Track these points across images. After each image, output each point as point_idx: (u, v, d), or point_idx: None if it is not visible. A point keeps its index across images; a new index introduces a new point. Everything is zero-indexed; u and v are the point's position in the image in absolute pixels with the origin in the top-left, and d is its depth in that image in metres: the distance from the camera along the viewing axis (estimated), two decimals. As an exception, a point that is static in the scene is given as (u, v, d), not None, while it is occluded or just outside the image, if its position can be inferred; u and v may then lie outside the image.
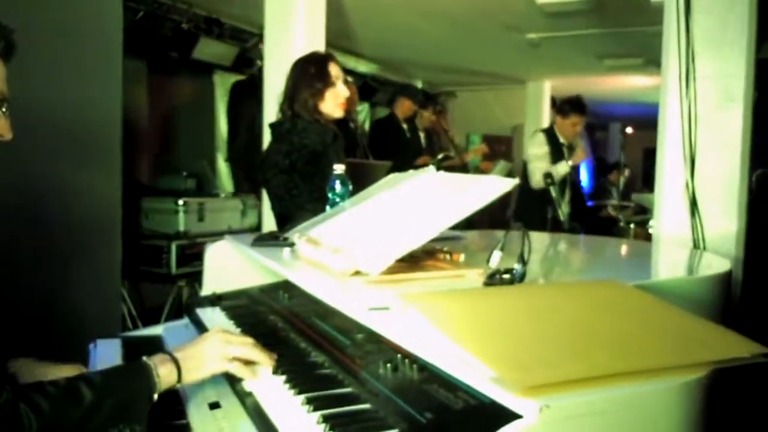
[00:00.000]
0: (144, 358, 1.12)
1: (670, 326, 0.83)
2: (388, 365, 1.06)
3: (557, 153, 4.47)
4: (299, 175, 2.40)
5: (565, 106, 4.61)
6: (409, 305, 0.87)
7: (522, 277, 1.17)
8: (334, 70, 2.51)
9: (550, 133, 4.66)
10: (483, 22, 5.29)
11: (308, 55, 2.66)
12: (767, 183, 4.22)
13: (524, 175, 4.49)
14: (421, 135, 5.62)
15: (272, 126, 2.60)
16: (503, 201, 1.22)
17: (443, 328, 0.78)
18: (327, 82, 2.48)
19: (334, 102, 2.49)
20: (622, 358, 0.72)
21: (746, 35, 2.36)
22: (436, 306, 0.84)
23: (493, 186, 1.26)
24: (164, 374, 1.10)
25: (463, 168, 5.53)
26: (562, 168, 4.37)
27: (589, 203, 6.28)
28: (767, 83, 6.17)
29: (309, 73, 2.50)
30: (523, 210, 4.65)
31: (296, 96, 2.47)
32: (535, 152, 4.53)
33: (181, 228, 3.55)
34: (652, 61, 5.48)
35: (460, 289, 1.03)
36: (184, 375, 1.12)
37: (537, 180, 4.28)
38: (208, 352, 1.15)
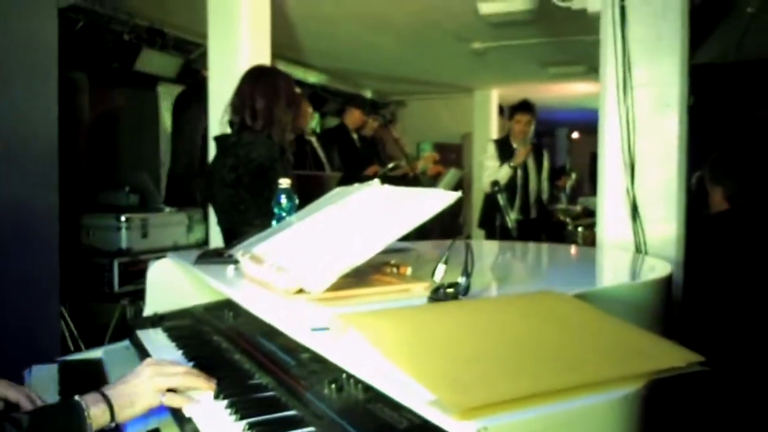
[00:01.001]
0: (76, 397, 1.08)
1: (608, 337, 0.83)
2: (333, 385, 1.04)
3: (510, 159, 4.66)
4: (246, 189, 2.36)
5: (510, 109, 4.86)
6: (348, 326, 0.85)
7: (466, 291, 1.17)
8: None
9: (502, 141, 4.85)
10: (429, 32, 5.34)
11: (274, 69, 2.62)
12: (705, 184, 4.37)
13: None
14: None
15: (217, 139, 2.55)
16: (454, 209, 1.21)
17: (382, 349, 0.76)
18: (300, 99, 2.48)
19: (305, 119, 2.51)
20: (561, 373, 0.71)
21: (679, 43, 2.43)
22: (375, 326, 0.83)
23: (437, 199, 1.25)
24: (96, 415, 1.06)
25: (414, 177, 5.57)
26: (504, 171, 4.55)
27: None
28: (703, 88, 6.44)
29: (288, 90, 2.47)
30: (482, 217, 4.87)
31: (273, 112, 2.42)
32: (481, 159, 4.74)
33: (124, 245, 3.45)
34: (593, 69, 5.62)
35: (400, 307, 1.02)
36: (117, 414, 1.08)
37: (483, 184, 4.49)
38: (139, 388, 1.12)
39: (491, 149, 4.80)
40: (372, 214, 1.39)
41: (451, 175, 6.17)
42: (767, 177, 2.53)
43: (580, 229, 5.26)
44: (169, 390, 1.13)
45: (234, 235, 2.36)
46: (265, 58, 3.57)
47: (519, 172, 4.70)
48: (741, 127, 8.09)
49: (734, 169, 2.53)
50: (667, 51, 2.43)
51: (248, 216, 2.36)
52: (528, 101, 4.83)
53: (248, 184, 2.34)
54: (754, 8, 4.34)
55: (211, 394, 1.14)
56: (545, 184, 4.95)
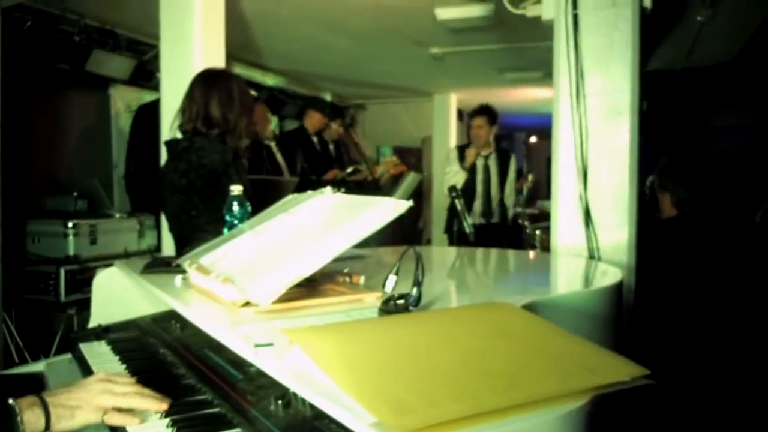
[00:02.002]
0: (10, 399, 1.02)
1: (553, 351, 0.82)
2: (280, 401, 1.01)
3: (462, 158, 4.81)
4: (198, 195, 2.31)
5: (469, 115, 4.93)
6: (293, 342, 0.82)
7: (417, 301, 1.15)
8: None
9: (464, 147, 4.95)
10: (387, 36, 5.33)
11: (226, 72, 2.54)
12: (657, 189, 4.51)
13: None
14: (330, 147, 5.60)
15: (168, 144, 2.48)
16: (414, 214, 1.20)
17: (325, 367, 0.74)
18: (253, 103, 2.44)
19: (264, 124, 2.46)
20: (505, 391, 0.70)
21: (630, 52, 2.47)
22: (319, 343, 0.81)
23: (389, 209, 1.24)
24: (30, 420, 1.00)
25: (374, 180, 5.55)
26: (459, 175, 4.66)
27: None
28: (656, 94, 6.59)
29: (241, 95, 2.40)
30: (447, 223, 4.95)
31: (229, 119, 2.36)
32: (448, 168, 4.89)
33: (71, 252, 3.33)
34: (549, 75, 5.71)
35: (347, 322, 1.00)
36: (53, 423, 1.02)
37: (446, 190, 4.56)
38: (83, 401, 1.07)
39: (453, 155, 4.90)
40: (323, 223, 1.36)
41: (411, 178, 6.16)
42: (713, 183, 2.60)
43: (537, 232, 5.33)
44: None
45: (186, 240, 2.31)
46: (219, 60, 3.50)
47: (480, 176, 4.78)
48: (692, 134, 8.33)
49: (681, 176, 2.59)
50: (619, 60, 2.47)
51: (199, 222, 2.30)
52: (486, 106, 4.92)
53: (200, 189, 2.29)
54: (704, 17, 4.46)
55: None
56: (510, 188, 5.03)
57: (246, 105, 2.42)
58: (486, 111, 4.87)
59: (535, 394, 0.70)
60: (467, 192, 4.69)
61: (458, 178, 4.68)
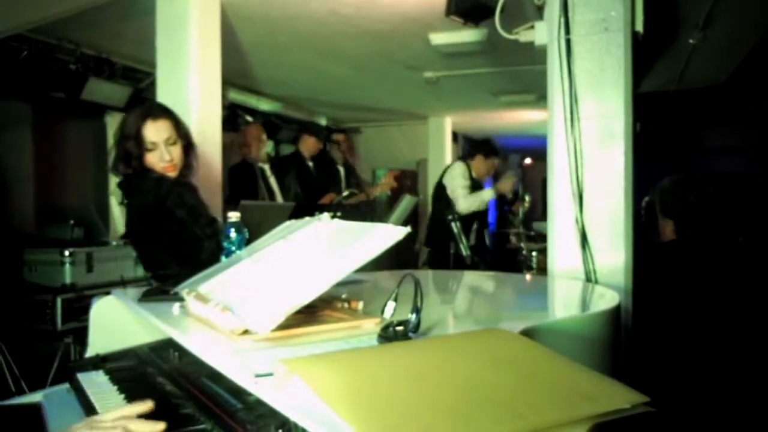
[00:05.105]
0: None
1: (552, 379, 0.82)
2: (280, 431, 1.01)
3: (474, 186, 4.90)
4: (141, 237, 2.27)
5: (489, 150, 5.08)
6: (292, 372, 0.82)
7: (416, 328, 1.16)
8: (150, 134, 2.23)
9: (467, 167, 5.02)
10: (382, 61, 5.38)
11: (129, 114, 2.38)
12: (654, 210, 4.52)
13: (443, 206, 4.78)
14: (341, 170, 5.64)
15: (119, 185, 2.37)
16: (410, 236, 1.22)
17: (326, 399, 0.74)
18: (141, 147, 2.23)
19: (157, 166, 2.24)
20: (504, 421, 0.70)
21: (623, 76, 2.49)
22: (319, 373, 0.81)
23: (386, 235, 1.24)
24: None
25: (370, 202, 5.56)
26: (487, 194, 4.75)
27: (492, 228, 6.76)
28: (649, 115, 6.67)
29: (124, 133, 2.26)
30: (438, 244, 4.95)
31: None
32: (461, 182, 4.86)
33: (68, 280, 3.33)
34: (543, 97, 5.76)
35: (347, 350, 1.00)
36: None
37: (460, 207, 4.64)
38: None
39: (463, 169, 4.89)
40: (320, 250, 1.37)
41: (407, 201, 6.18)
42: (717, 207, 2.59)
43: (534, 253, 5.35)
44: None
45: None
46: (215, 87, 3.53)
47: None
48: (686, 154, 8.40)
49: (685, 201, 2.58)
50: (612, 84, 2.49)
51: (154, 267, 2.23)
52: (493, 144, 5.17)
53: (141, 230, 2.25)
54: (696, 40, 4.53)
55: None
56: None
57: (127, 141, 2.25)
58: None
59: (535, 424, 0.70)
60: (471, 215, 4.79)
61: (485, 196, 4.83)
